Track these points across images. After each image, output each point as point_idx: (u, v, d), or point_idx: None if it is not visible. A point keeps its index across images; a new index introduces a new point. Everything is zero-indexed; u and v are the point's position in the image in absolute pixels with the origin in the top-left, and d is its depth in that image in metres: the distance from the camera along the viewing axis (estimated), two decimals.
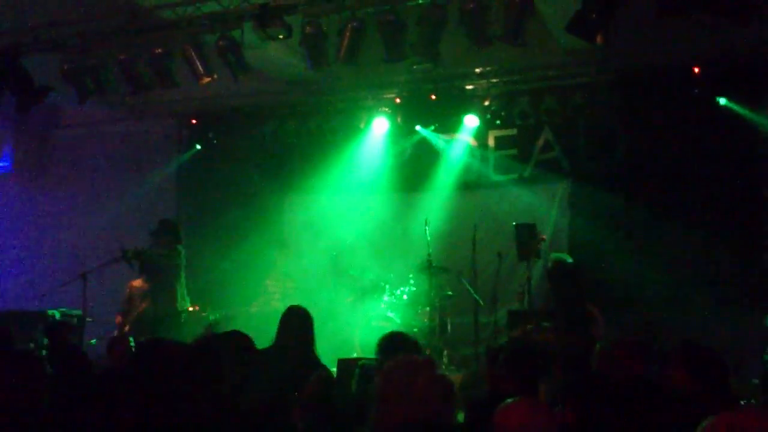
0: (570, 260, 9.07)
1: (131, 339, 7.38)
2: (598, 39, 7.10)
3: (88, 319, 9.99)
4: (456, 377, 7.97)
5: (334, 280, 11.17)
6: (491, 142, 11.48)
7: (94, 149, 13.05)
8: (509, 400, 3.40)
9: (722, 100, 9.86)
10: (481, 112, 11.12)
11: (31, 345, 7.99)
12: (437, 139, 11.54)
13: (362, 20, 7.80)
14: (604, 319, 8.32)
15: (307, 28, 7.91)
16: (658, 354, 5.38)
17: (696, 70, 9.91)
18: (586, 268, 9.57)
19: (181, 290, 9.98)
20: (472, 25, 7.37)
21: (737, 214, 9.97)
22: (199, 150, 12.58)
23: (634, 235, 10.21)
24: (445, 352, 10.10)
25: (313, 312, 6.48)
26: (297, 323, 6.11)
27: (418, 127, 11.40)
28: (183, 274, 10.02)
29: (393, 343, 5.31)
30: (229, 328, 5.80)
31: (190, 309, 10.19)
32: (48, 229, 12.85)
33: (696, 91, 9.97)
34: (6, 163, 12.76)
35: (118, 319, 10.07)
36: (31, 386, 3.75)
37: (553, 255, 9.32)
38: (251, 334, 8.36)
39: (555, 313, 8.37)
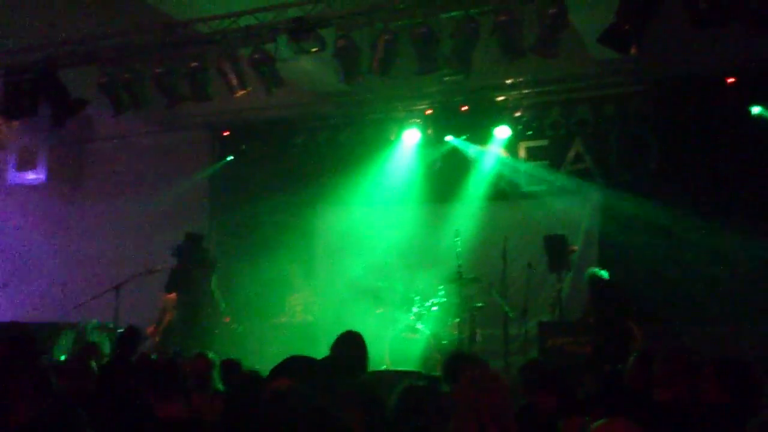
0: (606, 275, 9.06)
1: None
2: (632, 50, 7.07)
3: (119, 331, 10.11)
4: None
5: (364, 291, 11.18)
6: (522, 152, 11.48)
7: (127, 161, 13.21)
8: (602, 422, 3.38)
9: (755, 109, 9.79)
10: (512, 123, 11.12)
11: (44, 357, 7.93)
12: (468, 149, 11.53)
13: (395, 33, 7.83)
14: (643, 334, 8.26)
15: (341, 41, 7.96)
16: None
17: (730, 80, 9.84)
18: (617, 279, 9.52)
19: (213, 302, 10.10)
20: (505, 37, 7.38)
21: None
22: (231, 161, 12.69)
23: (667, 246, 10.12)
24: None
25: (343, 323, 6.47)
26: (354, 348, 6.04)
27: (449, 137, 11.40)
28: (214, 288, 10.14)
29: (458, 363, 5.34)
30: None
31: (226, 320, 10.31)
32: (81, 241, 12.99)
33: (729, 100, 9.91)
34: (41, 175, 12.93)
35: (150, 330, 10.19)
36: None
37: (591, 270, 9.28)
38: (278, 345, 8.40)
39: (594, 327, 8.36)
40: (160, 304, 10.28)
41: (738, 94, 9.83)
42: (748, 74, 9.86)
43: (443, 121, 11.22)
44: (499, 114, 11.09)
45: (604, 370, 6.78)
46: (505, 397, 3.38)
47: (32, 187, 13.14)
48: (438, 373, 9.24)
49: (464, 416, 3.32)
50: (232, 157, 12.70)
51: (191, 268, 10.12)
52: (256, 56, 8.33)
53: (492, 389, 3.35)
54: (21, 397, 3.71)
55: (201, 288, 9.99)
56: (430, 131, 11.41)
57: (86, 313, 10.42)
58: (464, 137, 11.37)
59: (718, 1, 6.40)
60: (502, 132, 11.16)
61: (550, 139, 11.19)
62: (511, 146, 11.43)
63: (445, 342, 10.23)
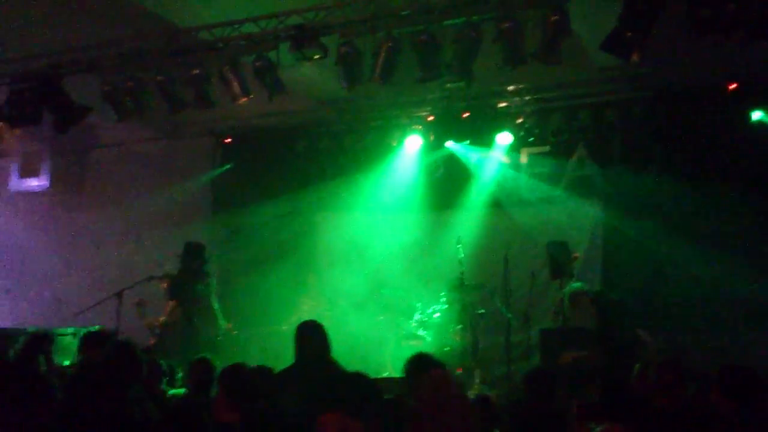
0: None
1: None
2: (634, 56, 7.08)
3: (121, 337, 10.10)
4: (491, 396, 7.97)
5: (367, 298, 11.18)
6: (524, 159, 11.46)
7: (130, 168, 13.21)
8: (601, 428, 3.40)
9: (756, 114, 9.79)
10: (515, 130, 11.11)
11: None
12: (470, 155, 11.53)
13: (397, 40, 7.85)
14: (655, 343, 8.24)
15: (343, 48, 7.98)
16: (692, 375, 5.35)
17: (731, 86, 9.85)
18: (620, 287, 9.52)
19: (212, 311, 10.12)
20: (507, 44, 7.39)
21: None
22: (232, 169, 12.69)
23: (669, 253, 10.09)
24: (477, 372, 10.04)
25: (346, 330, 6.50)
26: (314, 337, 6.14)
27: (449, 143, 11.39)
28: (213, 295, 10.16)
29: (419, 365, 5.34)
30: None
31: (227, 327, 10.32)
32: (84, 247, 13.00)
33: (731, 106, 9.91)
34: (44, 182, 12.95)
35: (152, 340, 10.23)
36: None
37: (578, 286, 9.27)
38: (284, 353, 8.41)
39: (603, 337, 8.37)
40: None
41: (740, 100, 9.84)
42: (750, 80, 9.86)
43: (445, 127, 11.20)
44: (501, 120, 11.07)
45: (611, 378, 6.77)
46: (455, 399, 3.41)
47: (35, 194, 13.16)
48: None
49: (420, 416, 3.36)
50: (233, 164, 12.70)
51: (191, 279, 10.14)
52: (258, 63, 8.35)
53: (445, 391, 3.39)
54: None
55: (200, 300, 10.01)
56: (431, 138, 11.41)
57: (89, 319, 10.41)
58: (466, 143, 11.36)
59: (720, 9, 6.41)
60: (504, 138, 11.15)
61: (552, 145, 11.17)
62: (513, 153, 11.41)
63: (447, 349, 10.23)
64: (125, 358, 5.20)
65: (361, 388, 5.15)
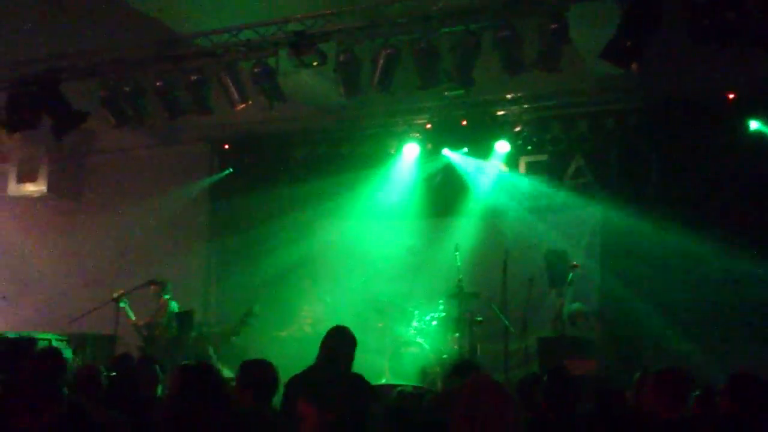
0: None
1: None
2: (633, 66, 7.08)
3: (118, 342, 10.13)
4: None
5: (364, 305, 11.16)
6: (522, 167, 11.48)
7: (127, 174, 13.21)
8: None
9: (754, 124, 9.80)
10: (513, 138, 11.12)
11: None
12: (468, 163, 11.53)
13: (396, 48, 7.85)
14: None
15: (342, 55, 7.98)
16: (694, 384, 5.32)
17: (730, 96, 9.86)
18: (618, 296, 9.51)
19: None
20: (506, 52, 7.40)
21: None
22: (231, 175, 12.69)
23: (668, 261, 10.08)
24: None
25: None
26: (344, 343, 6.05)
27: (447, 151, 11.40)
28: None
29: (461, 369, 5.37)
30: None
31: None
32: (81, 253, 12.98)
33: (729, 116, 9.92)
34: (41, 187, 12.92)
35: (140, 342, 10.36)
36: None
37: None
38: (283, 359, 8.39)
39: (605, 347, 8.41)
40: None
41: (738, 109, 9.84)
42: (748, 90, 9.87)
43: (443, 135, 11.22)
44: (499, 129, 11.09)
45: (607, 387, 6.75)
46: (504, 409, 3.32)
47: (33, 199, 13.14)
48: (438, 386, 9.24)
49: (458, 424, 3.28)
50: (231, 170, 12.70)
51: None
52: (257, 70, 8.35)
53: (489, 399, 3.30)
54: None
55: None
56: (429, 145, 11.41)
57: (86, 325, 10.40)
58: (464, 151, 11.36)
59: (719, 18, 6.41)
60: (502, 147, 11.16)
61: (550, 154, 11.19)
62: (512, 161, 11.42)
63: (445, 356, 10.21)
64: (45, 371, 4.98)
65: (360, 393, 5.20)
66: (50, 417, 3.78)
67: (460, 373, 5.31)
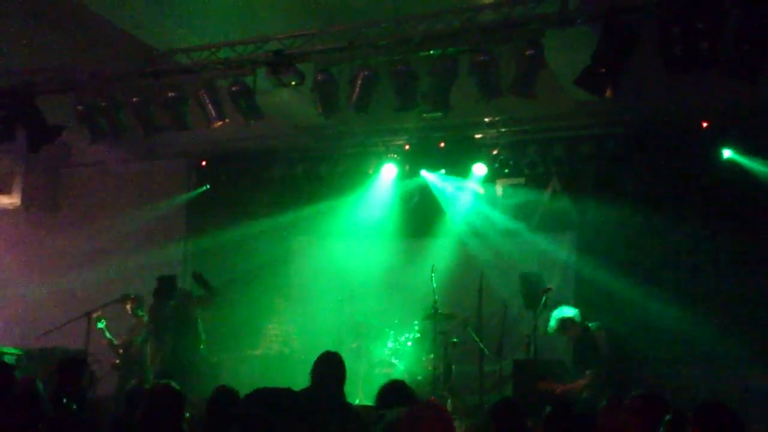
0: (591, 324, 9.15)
1: None
2: (607, 93, 7.13)
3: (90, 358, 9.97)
4: (460, 427, 7.92)
5: (339, 324, 11.13)
6: (499, 190, 11.52)
7: (103, 188, 13.16)
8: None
9: (726, 153, 9.91)
10: (490, 161, 11.17)
11: None
12: (445, 184, 11.56)
13: (374, 69, 7.86)
14: None
15: (319, 75, 7.99)
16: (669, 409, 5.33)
17: (704, 124, 9.97)
18: (591, 320, 9.54)
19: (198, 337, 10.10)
20: (482, 77, 7.42)
21: (747, 264, 9.91)
22: (207, 192, 12.65)
23: (642, 285, 10.14)
24: (450, 401, 9.99)
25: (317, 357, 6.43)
26: (334, 369, 6.10)
27: (423, 172, 11.42)
28: (193, 321, 10.10)
29: (392, 394, 5.35)
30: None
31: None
32: (55, 267, 12.86)
33: (703, 143, 10.03)
34: (15, 200, 12.81)
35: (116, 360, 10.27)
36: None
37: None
38: (255, 377, 8.34)
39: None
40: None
41: (712, 137, 9.95)
42: (722, 118, 9.99)
43: (421, 156, 11.26)
44: (477, 151, 11.13)
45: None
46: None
47: (6, 212, 13.02)
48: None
49: None
50: (208, 186, 12.66)
51: (182, 305, 10.10)
52: (235, 88, 8.33)
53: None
54: None
55: (190, 323, 9.99)
56: (407, 166, 11.44)
57: (58, 339, 10.28)
58: (442, 173, 11.39)
59: (693, 47, 6.48)
60: (480, 169, 11.20)
61: (527, 177, 11.26)
62: (489, 183, 11.46)
63: (420, 378, 10.18)
64: None
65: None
66: None
67: (386, 401, 5.20)
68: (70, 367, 6.55)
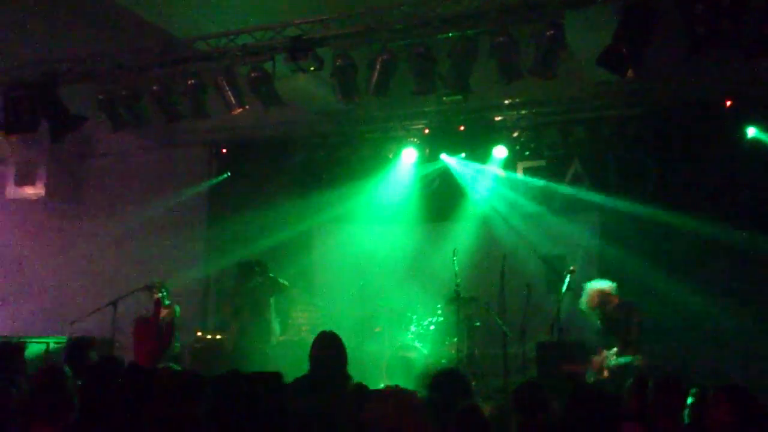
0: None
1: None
2: (629, 72, 7.07)
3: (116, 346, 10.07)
4: (484, 409, 7.92)
5: (362, 309, 11.16)
6: (520, 173, 11.47)
7: (126, 177, 13.23)
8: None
9: (751, 131, 9.79)
10: (510, 143, 11.12)
11: None
12: (466, 168, 11.53)
13: (393, 53, 7.84)
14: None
15: (338, 60, 7.98)
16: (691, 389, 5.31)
17: (728, 103, 9.85)
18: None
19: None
20: (502, 58, 7.38)
21: None
22: (229, 179, 12.69)
23: (666, 267, 10.06)
24: (474, 384, 9.98)
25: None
26: (331, 348, 6.06)
27: (443, 155, 11.39)
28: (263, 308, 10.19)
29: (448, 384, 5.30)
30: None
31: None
32: (80, 256, 12.98)
33: (727, 122, 9.91)
34: (40, 190, 12.92)
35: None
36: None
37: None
38: (279, 364, 8.37)
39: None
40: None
41: (736, 116, 9.83)
42: (745, 97, 9.86)
43: (441, 140, 11.23)
44: (497, 134, 11.09)
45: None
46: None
47: (31, 202, 13.13)
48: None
49: None
50: (229, 174, 12.71)
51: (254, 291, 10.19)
52: (254, 74, 8.35)
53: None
54: None
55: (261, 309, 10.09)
56: (427, 150, 11.41)
57: (84, 328, 10.37)
58: (462, 156, 11.36)
59: (716, 25, 6.40)
60: (500, 152, 11.16)
61: (547, 159, 11.20)
62: (509, 166, 11.42)
63: (443, 361, 10.19)
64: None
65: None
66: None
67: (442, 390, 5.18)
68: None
